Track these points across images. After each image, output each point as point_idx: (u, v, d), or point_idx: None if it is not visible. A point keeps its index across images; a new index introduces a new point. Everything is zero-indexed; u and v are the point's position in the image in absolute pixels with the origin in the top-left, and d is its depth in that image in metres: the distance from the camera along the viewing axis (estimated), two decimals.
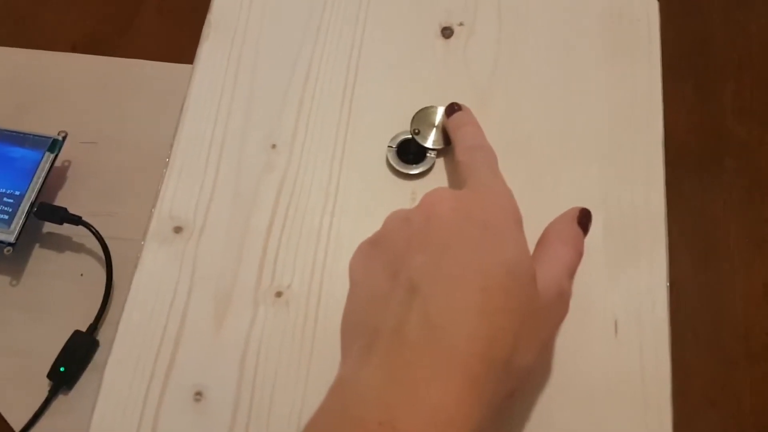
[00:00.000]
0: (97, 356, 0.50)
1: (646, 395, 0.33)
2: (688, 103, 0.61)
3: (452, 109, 0.39)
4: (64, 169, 0.57)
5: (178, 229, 0.38)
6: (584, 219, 0.33)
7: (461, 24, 0.43)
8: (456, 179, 0.39)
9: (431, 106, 0.40)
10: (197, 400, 0.34)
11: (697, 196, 0.57)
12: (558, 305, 0.30)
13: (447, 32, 0.43)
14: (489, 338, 0.25)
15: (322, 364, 0.34)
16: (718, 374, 0.52)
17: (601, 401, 0.33)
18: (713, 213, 0.57)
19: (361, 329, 0.28)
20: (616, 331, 0.34)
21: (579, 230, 0.33)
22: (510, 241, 0.29)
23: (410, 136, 0.40)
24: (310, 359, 0.35)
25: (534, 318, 0.28)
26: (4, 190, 0.52)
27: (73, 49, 0.64)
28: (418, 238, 0.29)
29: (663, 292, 0.35)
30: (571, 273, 0.31)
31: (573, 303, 0.34)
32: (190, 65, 0.61)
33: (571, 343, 0.34)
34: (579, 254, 0.32)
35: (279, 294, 0.36)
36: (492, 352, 0.25)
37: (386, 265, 0.29)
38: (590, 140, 0.39)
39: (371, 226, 0.36)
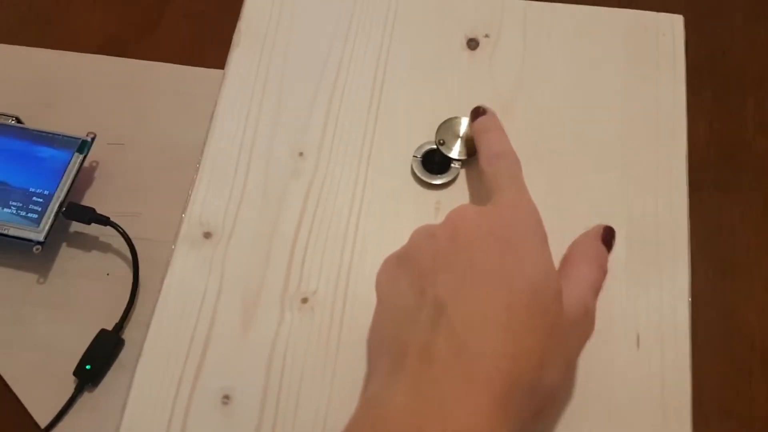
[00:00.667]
0: (123, 355, 0.51)
1: (666, 408, 0.33)
2: (707, 115, 0.61)
3: (477, 112, 0.40)
4: (92, 170, 0.58)
5: (207, 234, 0.39)
6: (608, 237, 0.34)
7: (487, 36, 0.44)
8: (481, 189, 0.39)
9: (456, 117, 0.41)
10: (225, 403, 0.35)
11: (715, 208, 0.57)
12: (584, 323, 0.30)
13: (472, 44, 0.44)
14: (515, 356, 0.26)
15: (348, 367, 0.35)
16: (734, 385, 0.52)
17: (622, 413, 0.33)
18: (731, 225, 0.57)
19: (387, 346, 0.29)
20: (638, 344, 0.34)
21: (603, 248, 0.33)
22: (535, 259, 0.29)
23: (435, 146, 0.40)
24: (335, 363, 0.35)
25: (560, 336, 0.28)
26: (33, 190, 0.53)
27: (99, 50, 0.65)
28: (444, 255, 0.29)
29: (685, 306, 0.35)
30: (596, 291, 0.32)
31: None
32: (213, 69, 0.62)
33: (592, 355, 0.34)
34: (603, 272, 0.32)
35: (305, 300, 0.37)
36: (518, 371, 0.26)
37: (413, 281, 0.30)
38: (614, 152, 0.40)
39: (396, 234, 0.37)
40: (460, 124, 0.41)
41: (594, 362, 0.34)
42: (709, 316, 0.54)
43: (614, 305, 0.35)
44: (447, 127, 0.41)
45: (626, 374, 0.34)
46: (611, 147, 0.40)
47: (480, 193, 0.39)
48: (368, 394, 0.28)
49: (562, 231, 0.37)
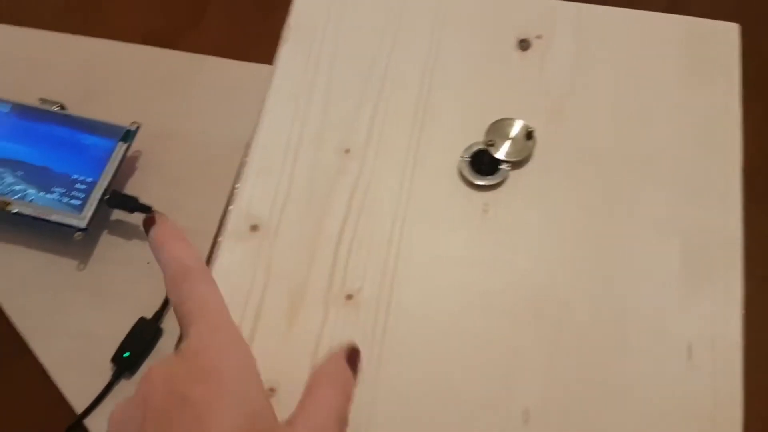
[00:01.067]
0: (161, 344, 0.51)
1: (715, 421, 0.33)
2: (757, 127, 0.60)
3: (147, 222, 0.30)
4: (134, 159, 0.58)
5: (254, 228, 0.39)
6: (353, 357, 0.29)
7: (539, 37, 0.43)
8: (530, 192, 0.39)
9: (507, 118, 0.41)
10: (270, 396, 0.35)
11: (763, 221, 0.56)
12: None
13: (524, 44, 0.43)
14: None
15: (390, 368, 0.35)
16: None
17: (671, 425, 0.33)
18: None
19: None
20: (690, 356, 0.34)
21: (348, 370, 0.29)
22: (215, 417, 0.24)
23: (484, 147, 0.40)
24: (378, 363, 0.35)
25: None
26: (76, 177, 0.54)
27: (143, 41, 0.65)
28: None
29: (737, 318, 0.35)
30: (341, 417, 0.27)
31: (646, 326, 0.35)
32: (256, 63, 0.63)
33: (643, 365, 0.34)
34: (348, 396, 0.28)
35: (350, 297, 0.37)
36: None
37: None
38: (666, 161, 0.39)
39: (441, 235, 0.37)
40: (511, 125, 0.40)
41: (643, 373, 0.34)
42: (755, 331, 0.53)
43: (666, 316, 0.35)
44: (497, 128, 0.41)
45: (676, 386, 0.33)
46: (664, 155, 0.39)
47: (528, 197, 0.39)
48: None
49: (617, 241, 0.37)
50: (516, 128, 0.40)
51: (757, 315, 0.53)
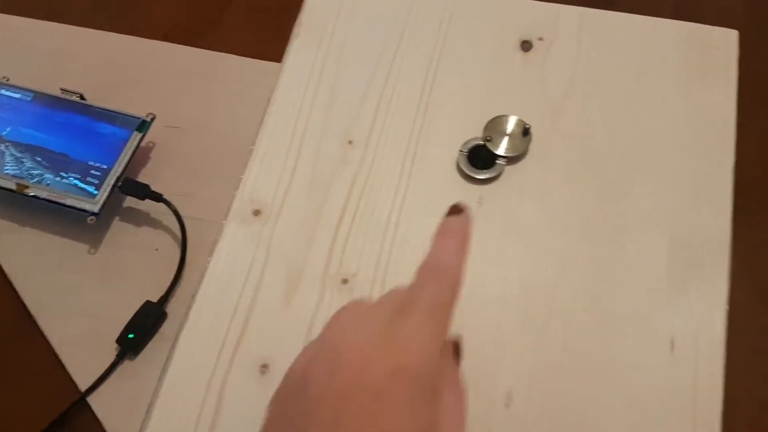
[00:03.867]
0: (165, 327, 0.52)
1: (696, 414, 0.33)
2: (759, 136, 0.60)
3: (453, 209, 0.32)
4: (148, 149, 0.60)
5: (257, 212, 0.40)
6: (456, 350, 0.31)
7: (541, 39, 0.44)
8: (523, 187, 0.40)
9: (504, 115, 0.42)
10: (263, 372, 0.36)
11: (761, 230, 0.57)
12: None
13: (526, 45, 0.44)
14: None
15: None
16: None
17: (651, 416, 0.33)
18: None
19: None
20: (672, 349, 0.35)
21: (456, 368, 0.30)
22: (406, 417, 0.25)
23: (482, 142, 0.41)
24: None
25: None
26: (92, 163, 0.56)
27: (165, 38, 0.67)
28: (317, 407, 0.26)
29: (722, 314, 0.35)
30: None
31: (631, 317, 0.36)
32: (273, 62, 0.64)
33: (626, 356, 0.34)
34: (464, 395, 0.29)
35: (345, 281, 0.38)
36: None
37: (291, 420, 0.27)
38: (661, 161, 0.40)
39: (436, 224, 0.38)
40: (508, 122, 0.42)
41: (627, 363, 0.34)
42: (748, 338, 0.53)
43: (651, 308, 0.36)
44: (495, 124, 0.42)
45: (658, 378, 0.34)
46: (659, 156, 0.40)
47: (522, 191, 0.40)
48: None
49: (608, 237, 0.38)
50: (512, 124, 0.41)
51: (753, 326, 0.53)
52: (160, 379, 0.36)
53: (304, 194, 0.41)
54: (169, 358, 0.37)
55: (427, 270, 0.29)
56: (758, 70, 0.63)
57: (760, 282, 0.55)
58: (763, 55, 0.63)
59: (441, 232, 0.31)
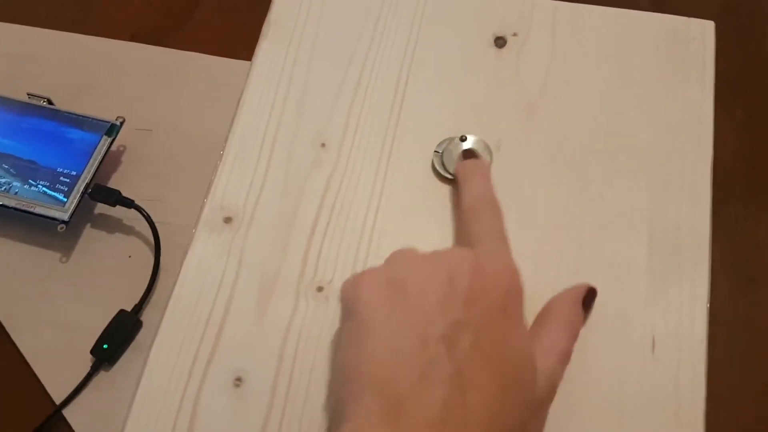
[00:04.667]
0: (140, 336, 0.51)
1: (679, 413, 0.33)
2: (737, 129, 0.60)
3: (467, 154, 0.37)
4: (119, 153, 0.59)
5: (228, 219, 0.39)
6: (589, 299, 0.33)
7: (515, 34, 0.44)
8: (500, 185, 0.39)
9: (457, 137, 0.40)
10: (237, 386, 0.35)
11: (741, 222, 0.57)
12: (550, 397, 0.30)
13: (500, 42, 0.44)
14: None
15: None
16: (753, 404, 0.51)
17: (633, 416, 0.33)
18: (756, 240, 0.56)
19: (379, 385, 0.27)
20: (653, 348, 0.34)
21: (581, 313, 0.33)
22: (522, 331, 0.29)
23: (457, 142, 0.40)
24: None
25: (535, 412, 0.28)
26: (61, 170, 0.54)
27: (133, 38, 0.66)
28: (459, 309, 0.28)
29: (703, 312, 0.35)
30: (566, 360, 0.31)
31: (611, 316, 0.35)
32: (244, 61, 0.63)
33: (606, 357, 0.34)
34: (576, 338, 0.32)
35: (320, 289, 0.37)
36: None
37: (414, 322, 0.28)
38: (638, 156, 0.39)
39: (414, 226, 0.37)
40: (459, 144, 0.40)
41: (607, 364, 0.34)
42: (730, 332, 0.53)
43: (631, 307, 0.35)
44: (448, 147, 0.41)
45: (639, 378, 0.34)
46: (637, 151, 0.40)
47: (500, 188, 0.39)
48: (350, 427, 0.26)
49: (586, 234, 0.37)
50: (468, 145, 0.40)
51: (734, 318, 0.53)
52: (133, 394, 0.35)
53: (277, 200, 0.40)
54: (141, 373, 0.36)
55: (474, 207, 0.34)
56: (734, 62, 0.63)
57: (735, 273, 0.55)
58: (739, 45, 0.63)
59: (468, 173, 0.36)
